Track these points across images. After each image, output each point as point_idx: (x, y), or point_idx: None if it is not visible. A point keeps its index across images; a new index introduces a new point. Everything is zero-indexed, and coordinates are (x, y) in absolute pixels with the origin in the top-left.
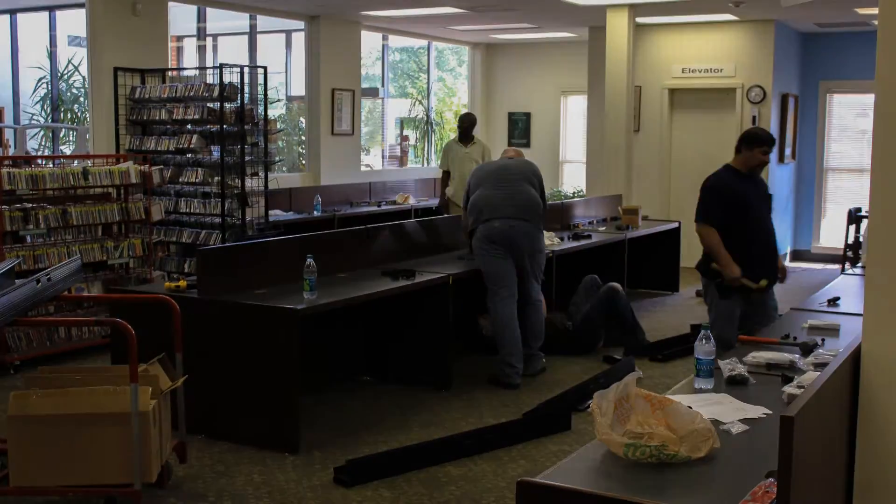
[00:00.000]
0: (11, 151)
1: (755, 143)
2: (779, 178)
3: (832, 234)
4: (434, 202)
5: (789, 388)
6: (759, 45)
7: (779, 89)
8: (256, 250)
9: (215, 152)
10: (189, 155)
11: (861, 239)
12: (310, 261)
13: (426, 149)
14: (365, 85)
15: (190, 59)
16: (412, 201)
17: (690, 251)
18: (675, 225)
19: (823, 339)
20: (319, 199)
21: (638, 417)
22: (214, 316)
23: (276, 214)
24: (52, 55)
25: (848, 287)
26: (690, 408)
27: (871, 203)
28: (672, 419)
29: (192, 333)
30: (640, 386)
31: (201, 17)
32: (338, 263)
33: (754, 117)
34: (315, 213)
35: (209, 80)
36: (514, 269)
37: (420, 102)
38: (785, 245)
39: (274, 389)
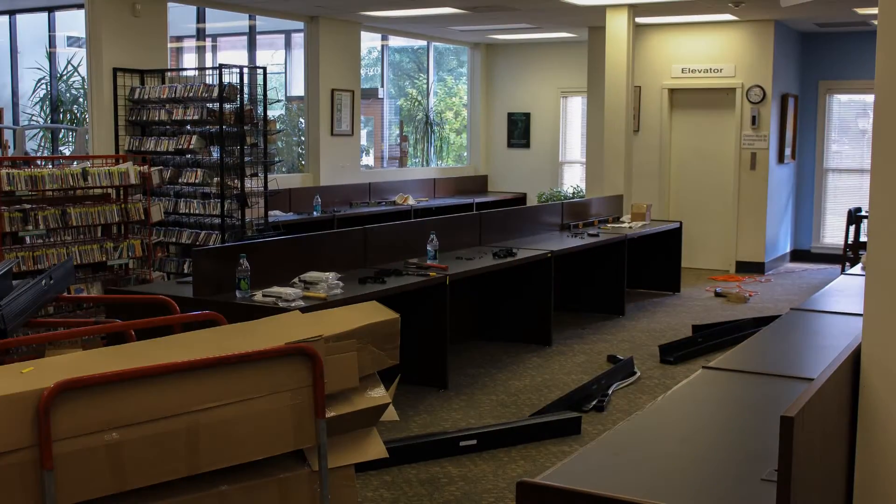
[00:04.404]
0: (11, 152)
1: None
2: (779, 178)
3: (832, 234)
4: (434, 203)
5: None
6: (758, 45)
7: (778, 89)
8: (252, 251)
9: (215, 153)
10: (188, 156)
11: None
12: (243, 261)
13: (426, 149)
14: (364, 85)
15: (189, 59)
16: (412, 201)
17: (691, 251)
18: (676, 225)
19: None
20: (319, 199)
21: None
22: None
23: (276, 215)
24: (52, 56)
25: (848, 287)
26: None
27: (871, 203)
28: None
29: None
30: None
31: (201, 18)
32: (334, 264)
33: (754, 117)
34: (315, 213)
35: (208, 80)
36: None
37: (420, 103)
38: (785, 245)
39: None
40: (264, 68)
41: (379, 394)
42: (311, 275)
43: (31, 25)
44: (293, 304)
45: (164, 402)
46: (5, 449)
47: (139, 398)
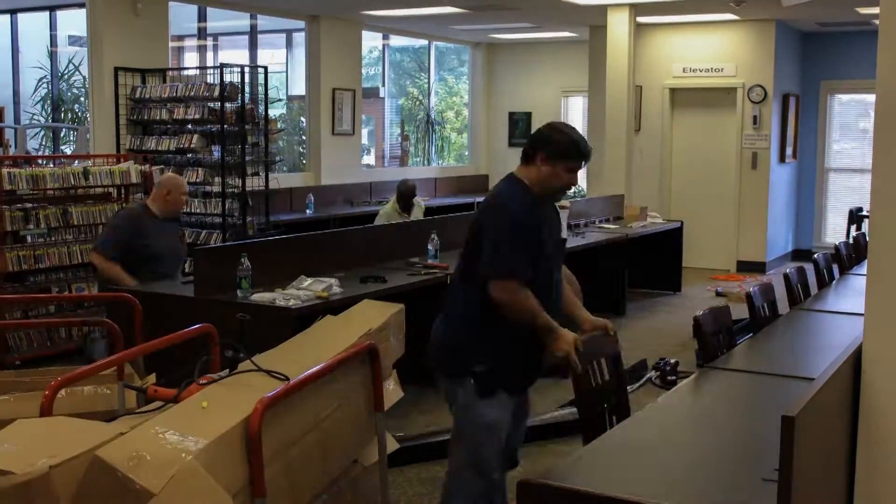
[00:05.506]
0: (12, 151)
1: (563, 155)
2: (780, 177)
3: (833, 233)
4: (435, 203)
5: None
6: (760, 44)
7: (780, 89)
8: (253, 250)
9: (216, 152)
10: (190, 155)
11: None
12: (244, 261)
13: (427, 148)
14: (366, 85)
15: (190, 58)
16: None
17: (692, 251)
18: (677, 225)
19: None
20: (312, 198)
21: None
22: (210, 315)
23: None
24: (53, 55)
25: (848, 287)
26: None
27: (871, 203)
28: None
29: None
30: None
31: (202, 17)
32: (335, 263)
33: (755, 117)
34: (308, 213)
35: (210, 79)
36: None
37: (421, 102)
38: (786, 245)
39: None
40: (265, 67)
41: (391, 386)
42: (309, 280)
43: (33, 24)
44: (291, 304)
45: (310, 411)
46: (233, 491)
47: (298, 410)
